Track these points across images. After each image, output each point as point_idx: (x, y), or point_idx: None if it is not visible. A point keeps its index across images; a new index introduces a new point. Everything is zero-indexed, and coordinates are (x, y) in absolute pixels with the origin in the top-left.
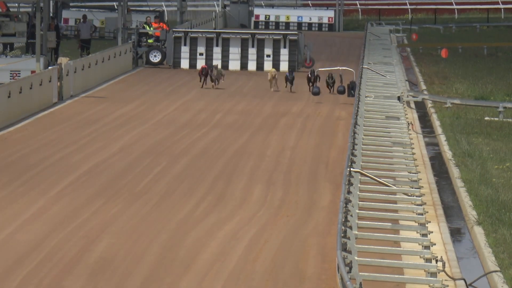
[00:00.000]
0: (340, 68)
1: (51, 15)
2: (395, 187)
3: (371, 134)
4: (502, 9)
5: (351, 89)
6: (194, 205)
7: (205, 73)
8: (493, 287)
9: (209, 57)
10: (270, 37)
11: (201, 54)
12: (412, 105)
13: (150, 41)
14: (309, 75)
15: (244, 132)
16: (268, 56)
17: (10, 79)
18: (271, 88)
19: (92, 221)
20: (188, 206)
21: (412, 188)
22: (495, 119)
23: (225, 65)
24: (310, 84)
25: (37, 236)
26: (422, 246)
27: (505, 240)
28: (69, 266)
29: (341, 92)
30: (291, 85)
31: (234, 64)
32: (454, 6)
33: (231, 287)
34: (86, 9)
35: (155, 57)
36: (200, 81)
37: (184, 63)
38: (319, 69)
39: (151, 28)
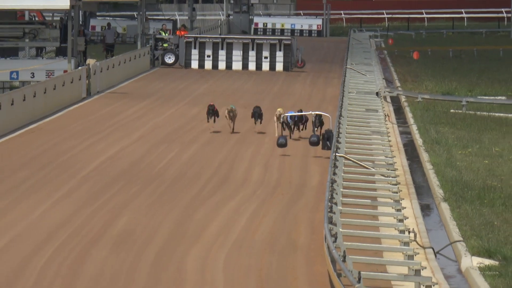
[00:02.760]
0: (313, 112)
1: (80, 23)
2: (373, 169)
3: (353, 124)
4: (465, 18)
5: (327, 139)
6: (202, 186)
7: (212, 111)
8: (457, 254)
9: (215, 59)
10: (267, 41)
11: (208, 56)
12: (388, 100)
13: (165, 45)
14: (287, 120)
15: (245, 123)
16: (265, 58)
17: (46, 77)
18: (275, 131)
19: (115, 199)
20: (197, 187)
21: (388, 170)
22: (459, 111)
23: (229, 66)
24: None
25: (68, 213)
26: (397, 219)
27: (467, 215)
28: (95, 238)
29: (314, 143)
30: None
31: (237, 65)
32: (424, 15)
33: (234, 255)
34: (111, 18)
35: (169, 59)
36: (208, 120)
37: (194, 64)
38: (288, 113)
39: (166, 34)
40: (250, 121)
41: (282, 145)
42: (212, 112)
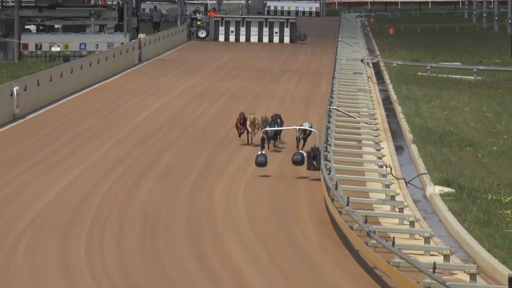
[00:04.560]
0: (297, 127)
1: (133, 6)
2: (359, 119)
3: (343, 84)
4: (429, 2)
5: (313, 158)
6: (226, 132)
7: (243, 122)
8: (423, 183)
9: (237, 34)
10: (277, 20)
11: (232, 31)
12: (370, 65)
13: (198, 23)
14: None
15: (260, 82)
16: (276, 33)
17: (107, 48)
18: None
19: (160, 141)
20: (222, 133)
21: (370, 119)
22: (425, 74)
23: (247, 39)
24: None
25: (125, 151)
26: (377, 157)
27: (431, 153)
28: (146, 170)
29: (297, 162)
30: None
31: (254, 38)
32: (398, 0)
33: (251, 185)
34: (157, 2)
35: (202, 34)
36: (240, 134)
37: (221, 38)
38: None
39: (199, 15)
40: (263, 81)
41: (261, 164)
42: (244, 122)
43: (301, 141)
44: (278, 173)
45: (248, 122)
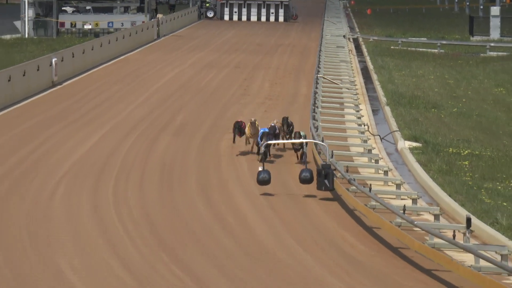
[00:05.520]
0: (304, 141)
1: None
2: (341, 85)
3: (328, 56)
4: None
5: (324, 177)
6: (231, 95)
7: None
8: (395, 139)
9: (239, 14)
10: (273, 3)
11: (235, 12)
12: (351, 40)
13: (207, 5)
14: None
15: (258, 55)
16: (272, 13)
17: (130, 26)
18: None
19: (175, 103)
20: (228, 96)
21: (351, 85)
22: (397, 47)
23: (248, 18)
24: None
25: (146, 111)
26: (356, 117)
27: (401, 114)
28: (162, 128)
29: (306, 180)
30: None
31: (253, 18)
32: None
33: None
34: None
35: (210, 14)
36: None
37: (226, 17)
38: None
39: None
40: (261, 54)
41: (264, 181)
42: (239, 128)
43: (299, 151)
44: None
45: (247, 129)
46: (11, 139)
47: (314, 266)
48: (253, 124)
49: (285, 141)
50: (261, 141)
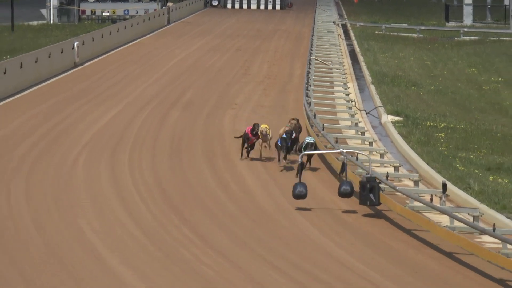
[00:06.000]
0: (344, 151)
1: None
2: (331, 65)
3: (320, 40)
4: None
5: (369, 191)
6: (234, 75)
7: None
8: (379, 114)
9: (241, 2)
10: None
11: (237, 0)
12: (340, 26)
13: None
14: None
15: (258, 39)
16: (270, 1)
17: (144, 13)
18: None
19: (183, 83)
20: (231, 75)
21: (340, 66)
22: (381, 32)
23: (249, 6)
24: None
25: (158, 89)
26: (344, 94)
27: (385, 91)
28: (172, 104)
29: (346, 194)
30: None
31: (253, 6)
32: None
33: (252, 114)
34: None
35: (215, 2)
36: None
37: (229, 5)
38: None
39: None
40: (260, 39)
41: (301, 196)
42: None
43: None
44: (271, 105)
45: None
46: (40, 112)
47: (308, 227)
48: (264, 135)
49: (323, 151)
50: (280, 144)
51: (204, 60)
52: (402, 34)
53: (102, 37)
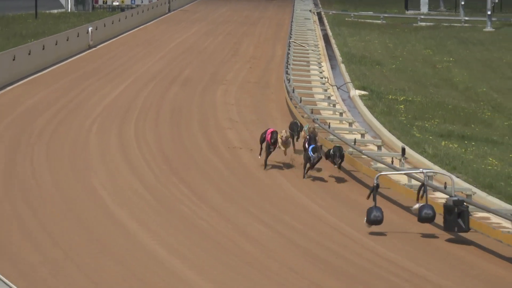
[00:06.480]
0: (424, 170)
1: None
2: (308, 47)
3: (298, 26)
4: None
5: (457, 215)
6: (224, 56)
7: (274, 141)
8: (348, 88)
9: None
10: None
11: None
12: (315, 14)
13: None
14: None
15: (245, 25)
16: None
17: (148, 2)
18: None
19: (181, 63)
20: (222, 56)
21: (315, 48)
22: (350, 19)
23: None
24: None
25: (160, 68)
26: (319, 71)
27: (353, 69)
28: (172, 81)
29: (428, 219)
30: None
31: None
32: None
33: (239, 89)
34: None
35: None
36: (263, 153)
37: None
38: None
39: None
40: (247, 25)
41: (377, 221)
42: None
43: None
44: (257, 82)
45: (280, 141)
46: (59, 87)
47: (289, 188)
48: (285, 142)
49: (402, 171)
50: (313, 154)
51: (199, 43)
52: (368, 20)
53: (112, 23)
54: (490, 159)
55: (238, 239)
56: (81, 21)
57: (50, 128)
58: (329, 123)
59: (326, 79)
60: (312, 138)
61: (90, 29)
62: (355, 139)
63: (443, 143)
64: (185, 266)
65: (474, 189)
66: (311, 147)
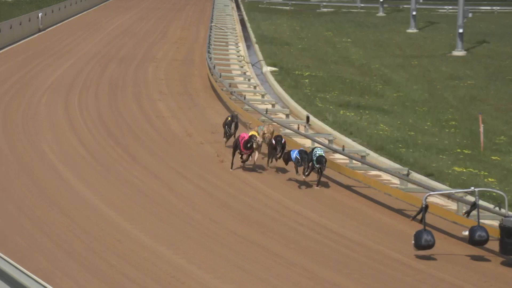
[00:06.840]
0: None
1: None
2: (227, 30)
3: (218, 11)
4: None
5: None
6: (155, 37)
7: (250, 146)
8: (261, 65)
9: None
10: None
11: None
12: (233, 1)
13: None
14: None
15: (173, 11)
16: None
17: None
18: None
19: (118, 43)
20: (153, 37)
21: (233, 30)
22: (263, 6)
23: None
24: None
25: (100, 48)
26: (236, 51)
27: (266, 49)
28: (110, 59)
29: (481, 242)
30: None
31: None
32: None
33: (169, 65)
34: None
35: None
36: (240, 157)
37: None
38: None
39: None
40: (177, 8)
41: (428, 246)
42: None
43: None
44: (183, 59)
45: (255, 145)
46: (13, 65)
47: (209, 150)
48: (260, 145)
49: (451, 190)
50: (299, 164)
51: (134, 27)
52: (278, 7)
53: (59, 9)
54: (381, 125)
55: (166, 194)
56: (32, 8)
57: (5, 99)
58: (245, 95)
59: (242, 57)
60: (278, 142)
61: (40, 14)
62: (266, 109)
63: (342, 112)
64: (121, 217)
65: (368, 151)
66: (296, 151)
